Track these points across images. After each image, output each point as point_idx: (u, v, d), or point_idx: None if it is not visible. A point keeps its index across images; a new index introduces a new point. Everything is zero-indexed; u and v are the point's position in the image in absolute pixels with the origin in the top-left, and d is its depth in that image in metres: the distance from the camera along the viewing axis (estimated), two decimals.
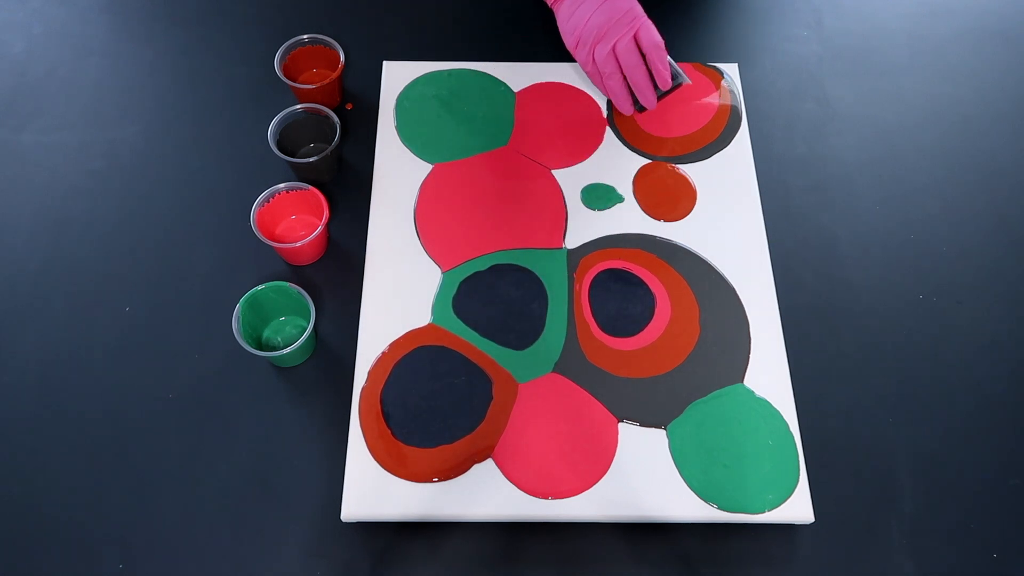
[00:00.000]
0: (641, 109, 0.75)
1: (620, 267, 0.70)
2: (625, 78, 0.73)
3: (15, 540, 0.61)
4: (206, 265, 0.72)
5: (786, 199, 0.76)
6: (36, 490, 0.63)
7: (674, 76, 0.74)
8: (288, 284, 0.66)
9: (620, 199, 0.74)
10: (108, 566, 0.60)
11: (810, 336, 0.70)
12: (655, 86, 0.73)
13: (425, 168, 0.75)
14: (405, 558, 0.61)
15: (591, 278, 0.70)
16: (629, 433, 0.63)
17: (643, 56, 0.72)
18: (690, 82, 0.76)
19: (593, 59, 0.73)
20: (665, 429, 0.64)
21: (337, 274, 0.72)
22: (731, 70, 0.81)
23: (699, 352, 0.67)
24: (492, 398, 0.64)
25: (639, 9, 0.71)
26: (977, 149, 0.81)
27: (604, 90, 0.75)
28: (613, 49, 0.71)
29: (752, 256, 0.71)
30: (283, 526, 0.62)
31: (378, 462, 0.62)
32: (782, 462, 0.63)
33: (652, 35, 0.70)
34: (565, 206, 0.73)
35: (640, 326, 0.68)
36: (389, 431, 0.63)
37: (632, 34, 0.70)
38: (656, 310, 0.69)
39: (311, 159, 0.71)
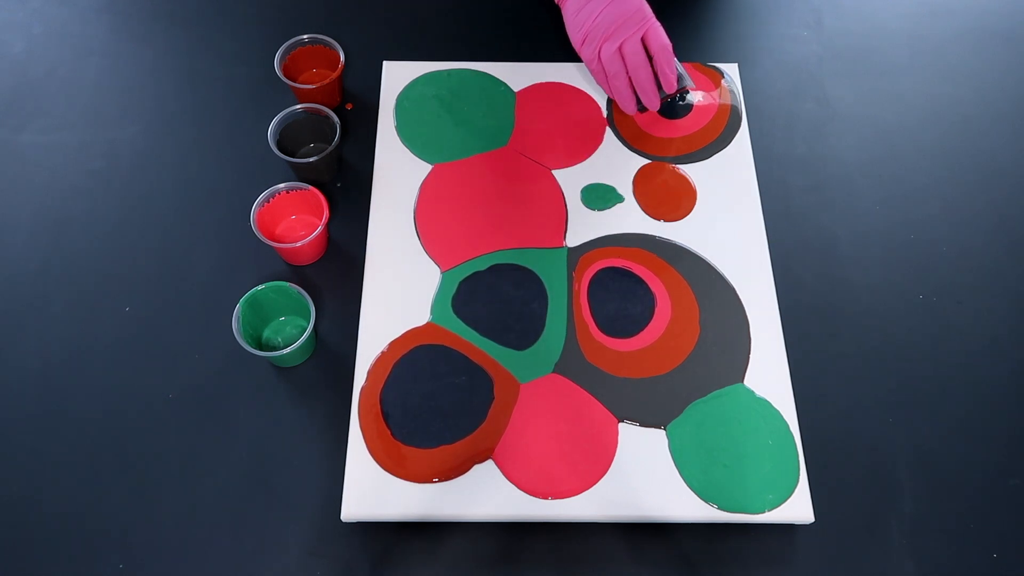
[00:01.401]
0: (643, 109, 0.75)
1: (619, 265, 0.70)
2: (630, 78, 0.73)
3: (15, 540, 0.61)
4: (206, 265, 0.72)
5: (786, 199, 0.76)
6: (36, 490, 0.63)
7: (679, 79, 0.74)
8: (288, 284, 0.66)
9: (620, 199, 0.74)
10: (108, 566, 0.60)
11: (810, 336, 0.70)
12: (660, 87, 0.73)
13: (425, 168, 0.75)
14: (405, 558, 0.61)
15: (590, 276, 0.70)
16: (629, 433, 0.63)
17: (650, 57, 0.72)
18: (694, 86, 0.76)
19: (599, 57, 0.72)
20: (665, 429, 0.64)
21: (337, 274, 0.72)
22: (731, 70, 0.81)
23: (699, 352, 0.67)
24: (493, 398, 0.64)
25: (648, 10, 0.71)
26: (977, 149, 0.81)
27: (607, 89, 0.75)
28: (620, 48, 0.71)
29: (752, 256, 0.71)
30: (283, 526, 0.62)
31: (377, 462, 0.62)
32: (782, 462, 0.63)
33: (661, 37, 0.70)
34: (565, 206, 0.73)
35: (640, 326, 0.68)
36: (388, 431, 0.63)
37: (640, 34, 0.70)
38: (656, 310, 0.69)
39: (311, 159, 0.71)
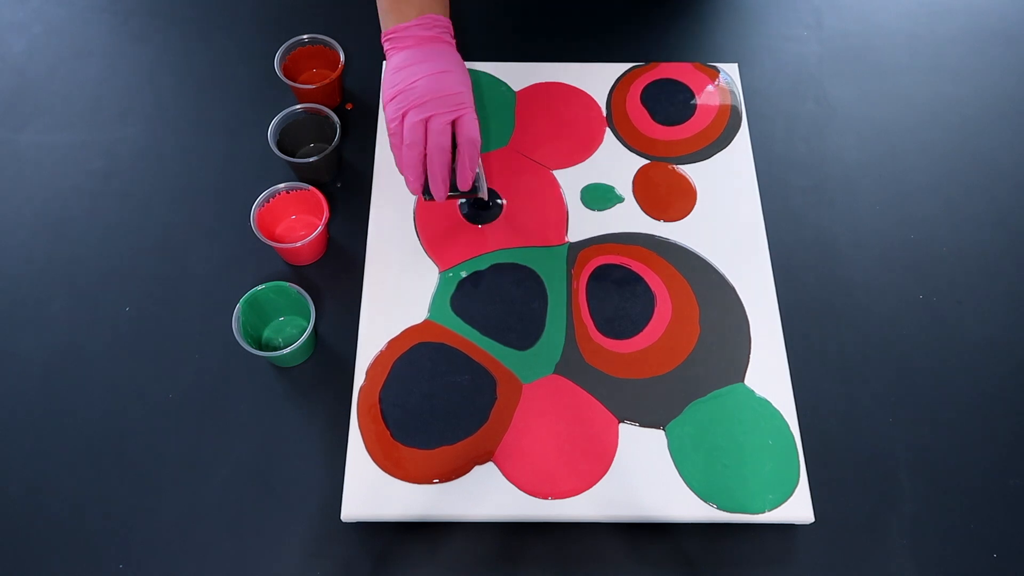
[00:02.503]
0: (429, 197, 0.66)
1: (618, 262, 0.70)
2: (426, 155, 0.64)
3: (15, 540, 0.61)
4: (206, 265, 0.72)
5: (786, 199, 0.76)
6: (36, 490, 0.63)
7: (476, 179, 0.67)
8: (288, 284, 0.66)
9: (620, 199, 0.74)
10: (108, 566, 0.60)
11: (810, 336, 0.70)
12: (454, 183, 0.66)
13: None
14: (405, 558, 0.61)
15: (588, 274, 0.70)
16: (629, 433, 0.63)
17: (455, 148, 0.64)
18: (485, 197, 0.70)
19: (402, 119, 0.63)
20: (665, 429, 0.64)
21: (337, 274, 0.72)
22: (731, 70, 0.81)
23: (699, 352, 0.67)
24: (496, 398, 0.64)
25: (469, 100, 0.64)
26: (977, 149, 0.81)
27: (398, 157, 0.65)
28: (426, 121, 0.63)
29: (752, 256, 0.71)
30: (283, 526, 0.62)
31: (377, 464, 0.62)
32: (782, 462, 0.62)
33: (472, 130, 0.64)
34: (565, 206, 0.73)
35: (639, 327, 0.68)
36: (388, 432, 0.63)
37: (452, 118, 0.63)
38: (656, 310, 0.69)
39: (311, 159, 0.71)
